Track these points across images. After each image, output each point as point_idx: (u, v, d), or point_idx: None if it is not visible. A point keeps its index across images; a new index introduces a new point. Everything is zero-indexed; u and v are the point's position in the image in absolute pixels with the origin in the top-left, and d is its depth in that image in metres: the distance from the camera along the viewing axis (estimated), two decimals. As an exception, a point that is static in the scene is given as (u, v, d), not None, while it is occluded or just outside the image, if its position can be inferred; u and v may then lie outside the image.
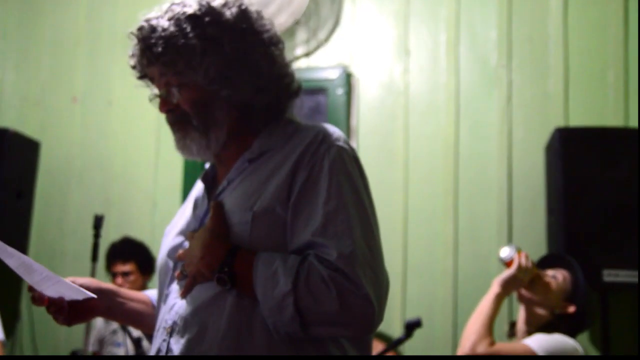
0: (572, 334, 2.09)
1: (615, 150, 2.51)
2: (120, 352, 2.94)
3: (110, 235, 3.20)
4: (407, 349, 2.91)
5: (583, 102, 2.94)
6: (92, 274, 2.35)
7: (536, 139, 2.92)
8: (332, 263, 1.08)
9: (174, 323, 1.18)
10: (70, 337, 3.24)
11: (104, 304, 1.32)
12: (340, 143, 1.20)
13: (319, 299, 1.06)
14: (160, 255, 1.33)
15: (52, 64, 3.72)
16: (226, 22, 1.23)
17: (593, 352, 2.69)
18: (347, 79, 3.21)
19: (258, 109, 1.26)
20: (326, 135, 1.20)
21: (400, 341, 2.30)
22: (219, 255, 1.13)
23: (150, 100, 1.30)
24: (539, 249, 2.78)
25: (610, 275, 2.40)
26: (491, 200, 2.97)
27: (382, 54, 3.25)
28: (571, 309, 2.10)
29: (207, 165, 1.38)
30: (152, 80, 1.28)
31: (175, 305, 1.20)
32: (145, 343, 2.36)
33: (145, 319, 1.40)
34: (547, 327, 2.07)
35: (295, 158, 1.17)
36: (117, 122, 3.56)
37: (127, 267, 3.05)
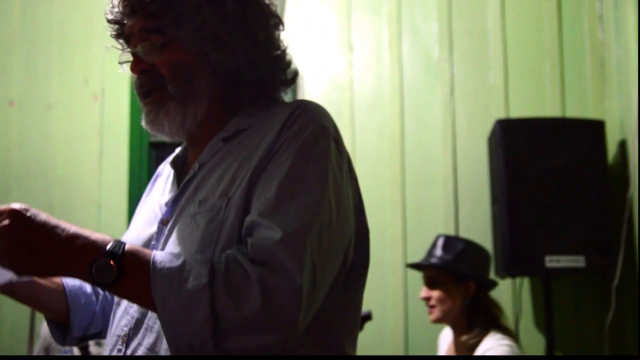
0: (490, 288, 2.31)
1: (554, 139, 2.58)
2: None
3: (53, 240, 3.10)
4: (358, 342, 2.93)
5: (522, 94, 3.01)
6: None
7: (479, 130, 2.98)
8: (265, 249, 0.89)
9: (130, 330, 1.01)
10: (14, 345, 3.13)
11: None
12: (321, 121, 1.05)
13: (240, 298, 0.86)
14: None
15: (-13, 66, 3.59)
16: None
17: (538, 337, 2.77)
18: (292, 75, 3.20)
19: (246, 86, 1.11)
20: (305, 111, 1.04)
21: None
22: (96, 240, 0.94)
23: (122, 62, 1.11)
24: (485, 237, 2.83)
25: (552, 262, 2.47)
26: (437, 191, 3.02)
27: (326, 50, 3.26)
28: (471, 286, 2.27)
29: (177, 150, 1.22)
30: (129, 38, 1.09)
31: (133, 307, 1.02)
32: (92, 349, 2.31)
33: (54, 301, 1.15)
34: (468, 316, 2.25)
35: (272, 136, 1.01)
36: (58, 125, 3.45)
37: None
